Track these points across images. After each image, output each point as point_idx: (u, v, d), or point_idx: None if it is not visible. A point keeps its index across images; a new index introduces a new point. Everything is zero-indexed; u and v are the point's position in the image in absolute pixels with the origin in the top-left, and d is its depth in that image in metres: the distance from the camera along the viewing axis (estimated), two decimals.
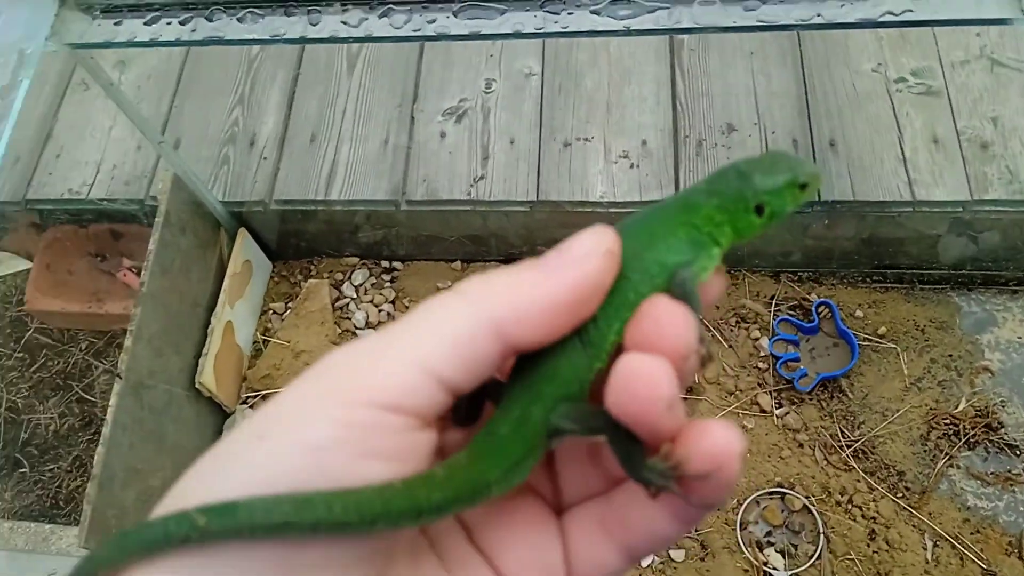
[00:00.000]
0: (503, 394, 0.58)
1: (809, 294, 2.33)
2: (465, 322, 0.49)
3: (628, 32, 1.55)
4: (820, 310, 2.28)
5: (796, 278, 2.37)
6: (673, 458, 0.49)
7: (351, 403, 0.46)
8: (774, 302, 2.33)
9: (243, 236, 2.40)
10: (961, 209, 2.17)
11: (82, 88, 2.63)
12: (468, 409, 0.59)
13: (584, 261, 0.51)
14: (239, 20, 1.64)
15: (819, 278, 2.36)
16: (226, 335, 2.29)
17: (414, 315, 0.51)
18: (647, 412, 0.47)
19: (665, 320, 0.50)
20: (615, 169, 2.32)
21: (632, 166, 2.32)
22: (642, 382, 0.47)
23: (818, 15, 1.48)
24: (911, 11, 1.46)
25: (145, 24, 1.66)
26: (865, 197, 2.19)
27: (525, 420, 0.54)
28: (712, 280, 0.59)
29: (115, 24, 1.68)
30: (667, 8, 1.57)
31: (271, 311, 2.49)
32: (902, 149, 2.23)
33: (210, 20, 1.65)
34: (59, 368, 2.58)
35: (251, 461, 0.44)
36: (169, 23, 1.66)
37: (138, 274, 2.46)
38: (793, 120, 2.31)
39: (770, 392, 2.20)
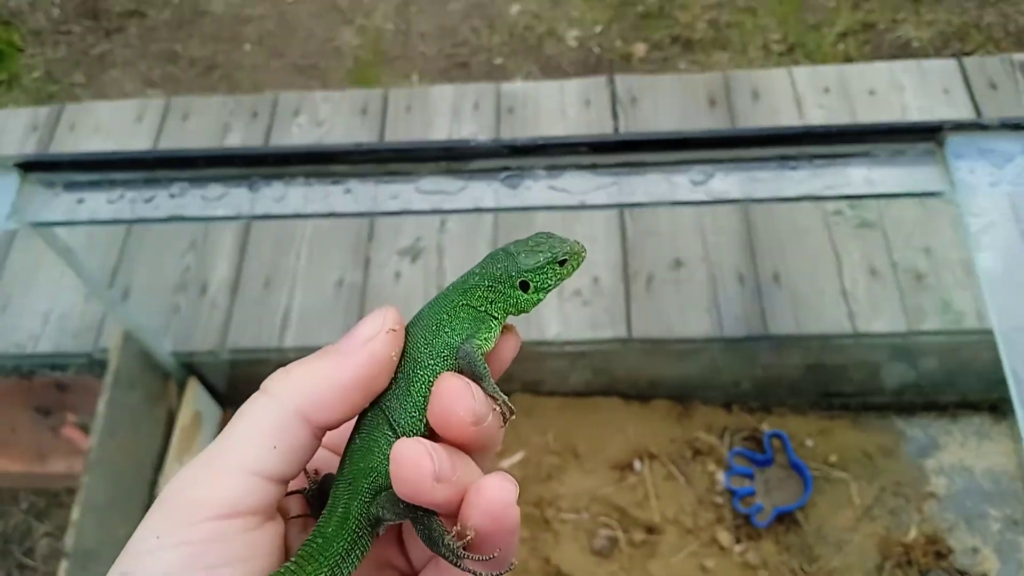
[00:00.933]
0: (329, 493, 0.65)
1: (760, 424, 2.38)
2: (274, 418, 0.57)
3: (583, 207, 1.60)
4: (772, 441, 2.33)
5: (747, 408, 2.42)
6: (460, 530, 0.57)
7: (191, 522, 0.53)
8: (727, 433, 2.37)
9: (193, 386, 2.36)
10: (900, 339, 2.26)
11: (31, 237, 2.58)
12: (319, 501, 0.66)
13: (369, 344, 0.60)
14: (203, 198, 1.64)
15: (769, 407, 2.42)
16: None
17: (234, 421, 0.58)
18: (418, 490, 0.56)
19: (448, 395, 0.59)
20: (568, 308, 2.37)
21: (584, 304, 2.36)
22: (405, 465, 0.55)
23: (768, 190, 1.56)
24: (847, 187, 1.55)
25: (109, 202, 1.66)
26: (809, 330, 2.27)
27: (346, 516, 0.61)
28: (502, 344, 0.69)
29: (78, 202, 1.67)
30: (615, 183, 1.63)
31: None
32: (842, 281, 2.32)
33: (172, 197, 1.65)
34: None
35: None
36: (132, 201, 1.66)
37: (83, 430, 2.40)
38: (737, 256, 2.39)
39: (728, 528, 2.22)
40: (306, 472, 0.71)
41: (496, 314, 0.68)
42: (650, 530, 2.21)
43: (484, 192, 1.61)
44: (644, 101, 2.62)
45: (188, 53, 4.46)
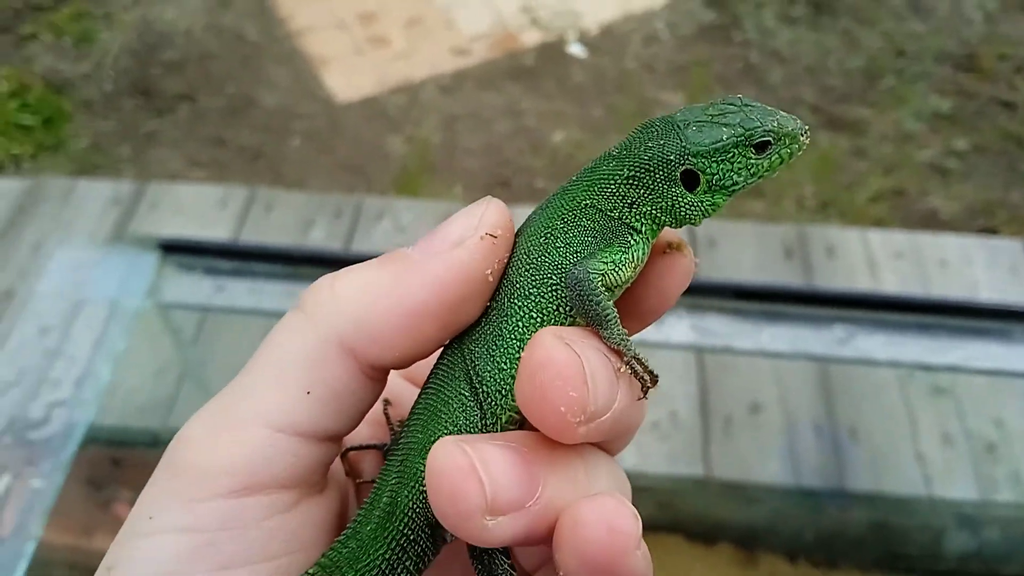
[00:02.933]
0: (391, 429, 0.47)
1: None
2: (307, 351, 0.41)
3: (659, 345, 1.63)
4: None
5: (811, 560, 2.40)
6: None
7: (196, 498, 0.39)
8: None
9: None
10: (972, 508, 2.28)
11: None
12: None
13: (455, 251, 0.41)
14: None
15: (834, 561, 2.40)
16: None
17: (260, 351, 0.43)
18: (462, 526, 0.39)
19: (541, 374, 0.39)
20: (643, 439, 2.37)
21: (662, 438, 2.37)
22: (441, 487, 0.38)
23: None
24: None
25: (250, 292, 1.66)
26: (885, 489, 2.29)
27: (392, 512, 0.43)
28: (658, 271, 0.45)
29: (218, 289, 1.67)
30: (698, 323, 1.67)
31: None
32: (916, 444, 2.36)
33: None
34: None
35: None
36: (271, 293, 1.67)
37: None
38: (814, 406, 2.42)
39: None
40: (387, 417, 0.52)
41: (639, 223, 0.46)
42: None
43: None
44: (723, 244, 2.70)
45: (236, 141, 4.52)
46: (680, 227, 0.47)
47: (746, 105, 0.46)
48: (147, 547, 0.39)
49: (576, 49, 4.93)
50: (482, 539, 0.39)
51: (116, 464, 2.40)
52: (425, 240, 0.43)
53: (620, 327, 0.44)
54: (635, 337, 0.47)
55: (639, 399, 0.43)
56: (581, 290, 0.43)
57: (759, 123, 0.45)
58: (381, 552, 0.43)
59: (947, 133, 4.39)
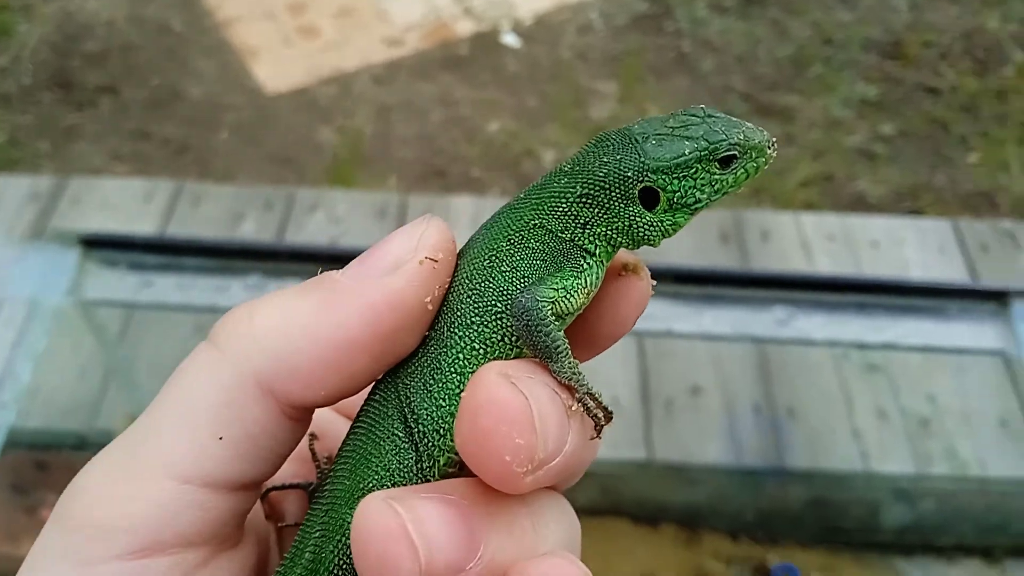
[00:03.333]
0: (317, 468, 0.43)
1: (766, 555, 2.39)
2: (219, 390, 0.36)
3: None
4: (783, 575, 2.34)
5: (752, 538, 2.43)
6: None
7: (90, 559, 0.35)
8: (735, 563, 2.37)
9: None
10: (908, 482, 2.33)
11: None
12: None
13: (390, 277, 0.37)
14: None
15: (775, 538, 2.43)
16: None
17: (165, 390, 0.38)
18: None
19: (484, 416, 0.35)
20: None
21: None
22: (367, 545, 0.34)
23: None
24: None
25: (179, 288, 1.60)
26: (823, 466, 2.32)
27: (316, 570, 0.39)
28: (615, 293, 0.42)
29: (145, 284, 1.61)
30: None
31: None
32: (852, 421, 2.40)
33: (248, 288, 1.61)
34: None
35: None
36: (203, 288, 1.61)
37: None
38: (752, 387, 2.45)
39: None
40: (313, 453, 0.47)
41: (592, 245, 0.42)
42: None
43: None
44: None
45: (161, 133, 4.39)
46: (637, 248, 0.43)
47: (709, 116, 0.42)
48: None
49: (510, 39, 4.91)
50: None
51: (41, 468, 2.31)
52: (356, 263, 0.38)
53: (571, 359, 0.40)
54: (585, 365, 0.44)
55: (592, 438, 0.40)
56: (528, 320, 0.39)
57: (723, 136, 0.41)
58: None
59: (874, 119, 4.49)
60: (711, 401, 2.41)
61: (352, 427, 0.43)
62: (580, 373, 0.39)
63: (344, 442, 0.42)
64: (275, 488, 0.45)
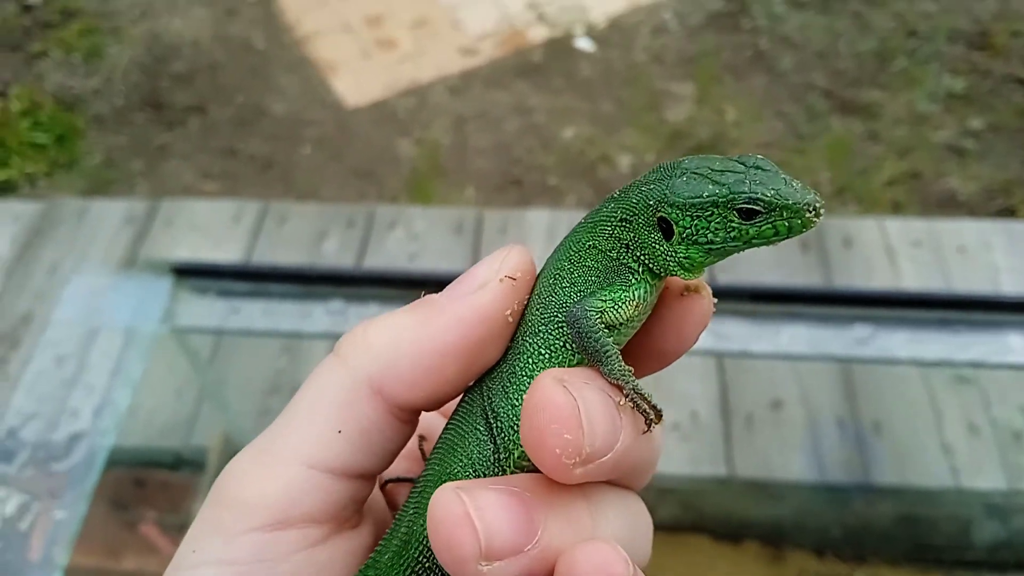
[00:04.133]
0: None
1: (853, 572, 2.35)
2: (339, 392, 0.43)
3: None
4: None
5: (839, 556, 2.39)
6: None
7: (233, 532, 0.42)
8: None
9: None
10: (1001, 497, 2.26)
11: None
12: None
13: (475, 295, 0.43)
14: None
15: (862, 556, 2.39)
16: None
17: (299, 392, 0.45)
18: (459, 570, 0.41)
19: (539, 415, 0.41)
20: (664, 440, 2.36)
21: (683, 439, 2.35)
22: (439, 530, 0.40)
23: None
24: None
25: (265, 314, 1.66)
26: (907, 481, 2.26)
27: (407, 543, 0.45)
28: (673, 311, 0.46)
29: (233, 311, 1.67)
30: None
31: None
32: (941, 435, 2.33)
33: (330, 314, 1.66)
34: None
35: None
36: (288, 314, 1.67)
37: (161, 528, 2.33)
38: (837, 401, 2.40)
39: None
40: (423, 452, 0.55)
41: (635, 264, 0.46)
42: None
43: None
44: None
45: (248, 150, 4.53)
46: (667, 276, 0.46)
47: (756, 168, 0.44)
48: None
49: (584, 43, 4.90)
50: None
51: (140, 485, 2.42)
52: (452, 286, 0.45)
53: (620, 363, 0.44)
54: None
55: (644, 432, 0.44)
56: (579, 327, 0.44)
57: (747, 189, 0.43)
58: None
59: (962, 113, 4.34)
60: (793, 415, 2.38)
61: (446, 424, 0.49)
62: (629, 373, 0.44)
63: (439, 436, 0.49)
64: (391, 480, 0.53)
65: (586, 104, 4.60)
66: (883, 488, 2.25)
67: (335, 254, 2.65)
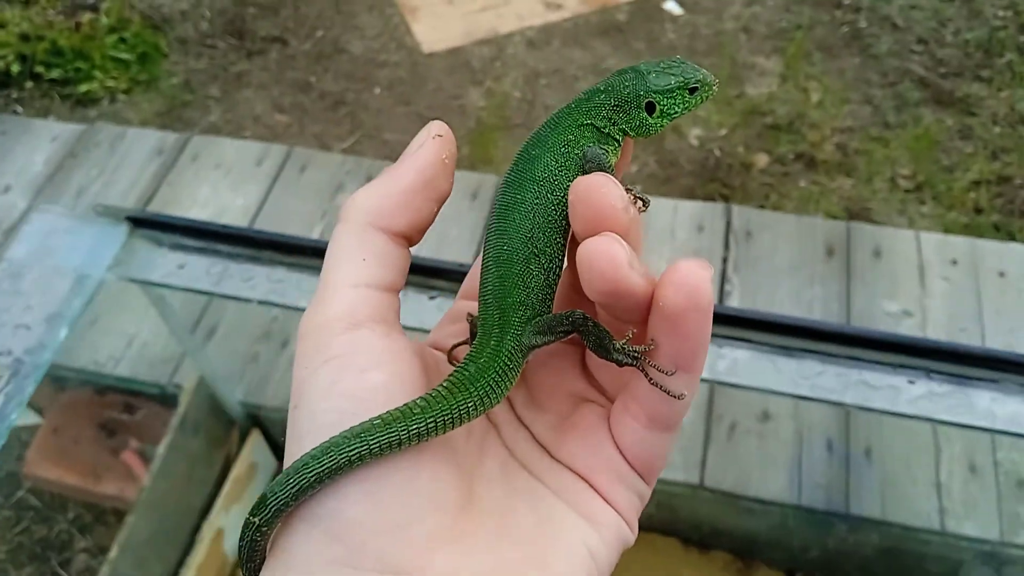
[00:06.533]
0: (477, 328, 0.65)
1: None
2: (352, 236, 0.61)
3: None
4: None
5: None
6: (634, 339, 0.56)
7: (327, 342, 0.57)
8: None
9: (255, 437, 2.35)
10: (990, 547, 2.10)
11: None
12: None
13: (418, 152, 0.62)
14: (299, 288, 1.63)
15: None
16: (214, 543, 2.22)
17: (328, 252, 0.62)
18: (616, 278, 0.52)
19: (593, 188, 0.56)
20: None
21: None
22: (599, 258, 0.52)
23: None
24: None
25: (209, 273, 1.66)
26: (892, 518, 2.13)
27: (499, 349, 0.61)
28: (619, 160, 0.66)
29: (179, 267, 1.68)
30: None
31: None
32: (937, 473, 2.18)
33: (271, 281, 1.65)
34: (41, 535, 2.50)
35: (298, 423, 0.55)
36: (231, 276, 1.66)
37: (142, 457, 2.41)
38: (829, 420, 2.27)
39: None
40: (471, 324, 0.71)
41: (618, 136, 0.67)
42: None
43: None
44: (760, 237, 2.53)
45: (320, 86, 4.56)
46: (637, 138, 0.66)
47: (683, 63, 0.68)
48: (314, 378, 0.56)
49: (672, 5, 4.70)
50: (629, 285, 0.53)
51: (130, 412, 2.51)
52: (404, 153, 0.63)
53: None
54: None
55: (642, 211, 0.59)
56: (599, 160, 0.62)
57: (691, 76, 0.67)
58: (491, 375, 0.59)
59: None
60: (780, 429, 2.26)
61: (488, 270, 0.64)
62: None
63: (485, 279, 0.63)
64: (458, 344, 0.70)
65: None
66: (859, 519, 2.13)
67: None
